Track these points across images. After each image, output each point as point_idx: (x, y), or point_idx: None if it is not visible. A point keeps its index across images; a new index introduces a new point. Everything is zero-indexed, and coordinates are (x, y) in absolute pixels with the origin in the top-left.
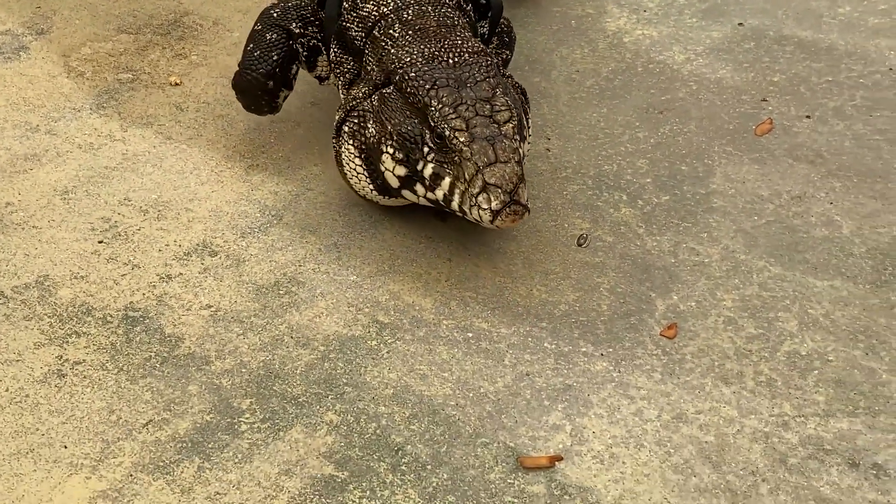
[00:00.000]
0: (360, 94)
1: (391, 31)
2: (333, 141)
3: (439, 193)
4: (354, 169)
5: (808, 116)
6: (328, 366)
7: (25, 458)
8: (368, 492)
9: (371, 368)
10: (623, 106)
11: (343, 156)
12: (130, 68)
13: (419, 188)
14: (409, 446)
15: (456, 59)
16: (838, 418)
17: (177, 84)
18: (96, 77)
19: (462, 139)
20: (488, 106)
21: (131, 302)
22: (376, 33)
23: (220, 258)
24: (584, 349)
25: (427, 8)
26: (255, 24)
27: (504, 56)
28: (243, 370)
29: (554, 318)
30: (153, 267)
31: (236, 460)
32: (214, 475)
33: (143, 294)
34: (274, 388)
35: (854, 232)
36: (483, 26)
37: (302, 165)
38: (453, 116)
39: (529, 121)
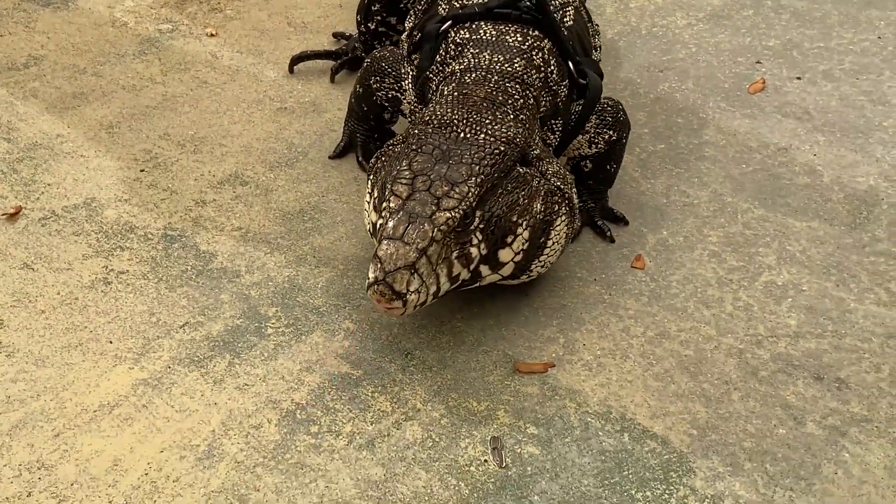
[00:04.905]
0: (399, 139)
1: (445, 89)
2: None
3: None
4: (365, 204)
5: (798, 78)
6: (347, 282)
7: (75, 351)
8: (380, 387)
9: None
10: (626, 64)
11: (367, 190)
12: (170, 20)
13: (377, 239)
14: (417, 351)
15: (467, 136)
16: (807, 339)
17: (213, 35)
18: (139, 27)
19: (392, 205)
20: (447, 188)
21: (170, 223)
22: (440, 86)
23: (251, 187)
24: (579, 275)
25: (492, 77)
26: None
27: (607, 137)
28: (270, 283)
29: None
30: (189, 193)
31: (263, 357)
32: (243, 369)
33: (181, 216)
34: (297, 299)
35: (834, 180)
36: (579, 103)
37: (326, 109)
38: (404, 182)
39: (556, 232)
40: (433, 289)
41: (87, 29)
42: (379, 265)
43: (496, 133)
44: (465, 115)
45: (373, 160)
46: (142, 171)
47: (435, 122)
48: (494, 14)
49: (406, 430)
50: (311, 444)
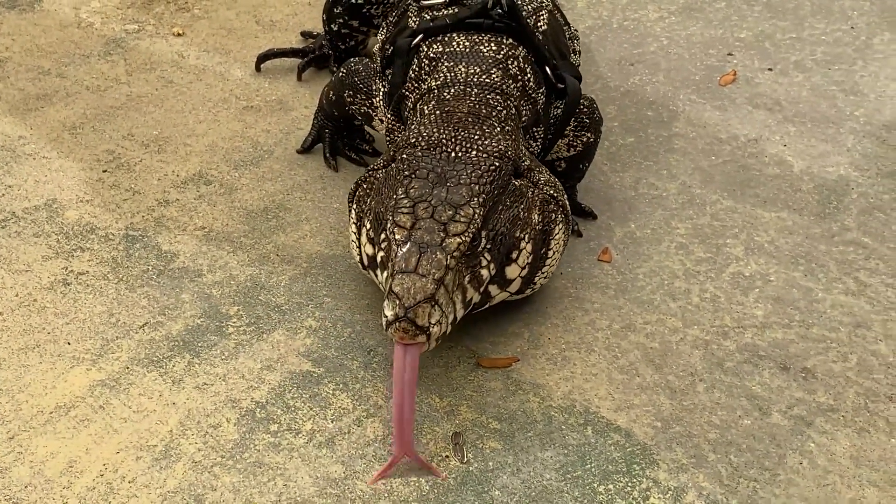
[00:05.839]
0: (379, 164)
1: (425, 107)
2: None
3: (383, 286)
4: (351, 234)
5: (770, 69)
6: (310, 280)
7: (32, 352)
8: (342, 385)
9: (349, 282)
10: (597, 58)
11: (349, 219)
12: (136, 20)
13: (379, 272)
14: (380, 348)
15: (459, 154)
16: (774, 329)
17: (180, 35)
18: (105, 27)
19: (398, 237)
20: (451, 212)
21: (132, 223)
22: (419, 105)
23: (215, 186)
24: None
25: (472, 90)
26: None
27: (585, 139)
28: (232, 282)
29: None
30: (152, 193)
31: (223, 357)
32: (203, 369)
33: (143, 216)
34: (259, 297)
35: (804, 170)
36: (557, 107)
37: (293, 107)
38: (405, 211)
39: (556, 241)
40: (451, 317)
41: (52, 30)
42: (397, 301)
43: (487, 148)
44: (453, 133)
45: (352, 187)
46: (104, 171)
47: (422, 143)
48: (466, 24)
49: (367, 428)
50: (270, 443)
